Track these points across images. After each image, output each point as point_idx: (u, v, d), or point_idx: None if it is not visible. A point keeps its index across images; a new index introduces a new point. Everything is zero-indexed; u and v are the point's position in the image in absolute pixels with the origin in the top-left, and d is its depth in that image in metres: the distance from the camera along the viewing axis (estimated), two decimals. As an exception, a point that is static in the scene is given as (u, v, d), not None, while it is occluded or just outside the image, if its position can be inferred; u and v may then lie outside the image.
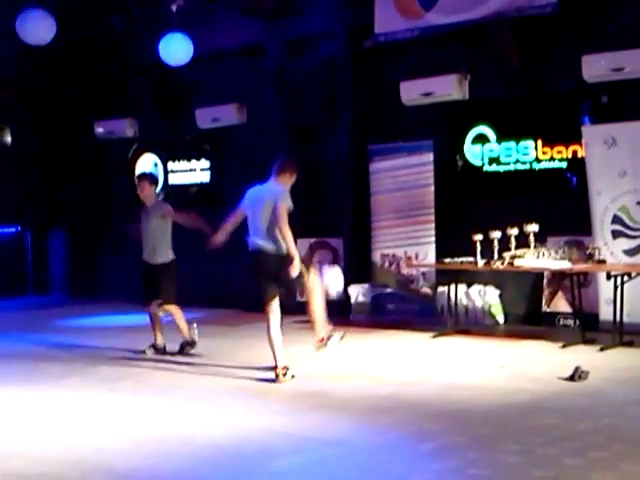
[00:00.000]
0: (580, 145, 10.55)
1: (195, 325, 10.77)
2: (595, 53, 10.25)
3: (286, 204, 7.81)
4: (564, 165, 10.90)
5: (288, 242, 7.74)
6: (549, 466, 5.16)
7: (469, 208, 11.59)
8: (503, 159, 11.42)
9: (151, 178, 9.93)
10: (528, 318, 11.20)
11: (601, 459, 5.27)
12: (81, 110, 15.83)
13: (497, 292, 11.35)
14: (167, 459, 5.63)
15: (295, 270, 7.73)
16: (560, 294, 10.78)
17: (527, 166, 11.20)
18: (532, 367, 8.41)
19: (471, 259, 10.19)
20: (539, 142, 11.08)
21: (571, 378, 7.57)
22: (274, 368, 7.93)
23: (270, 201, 7.88)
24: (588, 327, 9.72)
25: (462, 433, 5.99)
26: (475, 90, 11.50)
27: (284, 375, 7.89)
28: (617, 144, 9.97)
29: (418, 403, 6.97)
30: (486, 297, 11.31)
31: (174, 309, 9.47)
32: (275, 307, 7.92)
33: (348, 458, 5.55)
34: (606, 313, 9.74)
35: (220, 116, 13.81)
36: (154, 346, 9.60)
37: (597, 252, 9.73)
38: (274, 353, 7.93)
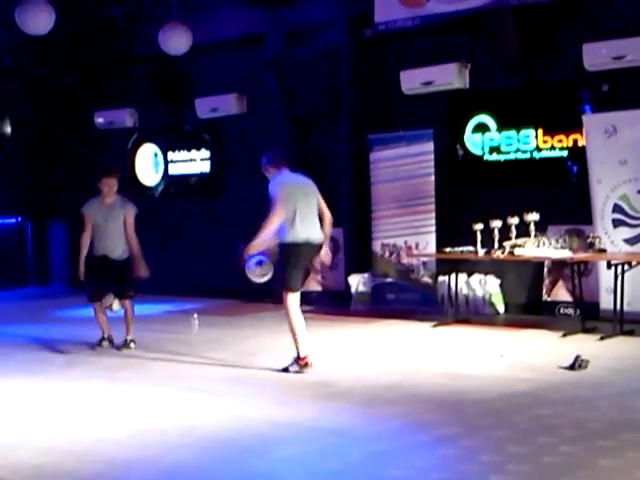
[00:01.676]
0: (581, 134, 10.53)
1: (195, 316, 10.80)
2: (596, 41, 10.22)
3: None
4: (565, 154, 10.88)
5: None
6: (549, 454, 5.16)
7: (469, 197, 11.57)
8: (504, 148, 11.40)
9: (118, 174, 9.89)
10: (528, 307, 11.20)
11: (601, 448, 5.27)
12: (81, 100, 15.81)
13: (497, 281, 11.34)
14: (167, 449, 5.63)
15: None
16: (560, 283, 10.78)
17: (527, 155, 11.18)
18: (532, 356, 8.41)
19: (471, 248, 10.18)
20: (540, 131, 11.05)
21: (571, 367, 7.57)
22: (299, 359, 7.84)
23: (316, 191, 8.09)
24: (588, 316, 9.72)
25: (462, 422, 5.99)
26: (475, 79, 11.47)
27: (305, 366, 7.84)
28: (617, 133, 9.94)
29: (418, 392, 6.97)
30: (486, 286, 11.31)
31: (129, 304, 9.50)
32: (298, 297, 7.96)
33: (348, 447, 5.55)
34: (606, 302, 9.74)
35: (220, 106, 13.79)
36: (109, 338, 9.57)
37: (598, 241, 9.72)
38: (297, 342, 7.84)
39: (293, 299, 7.81)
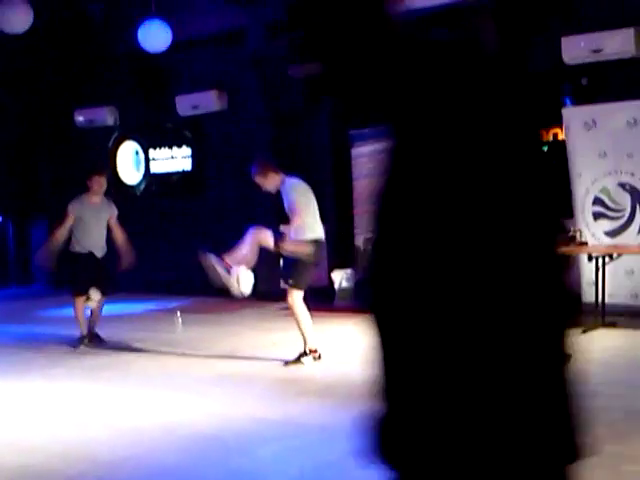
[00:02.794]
0: (560, 127, 10.57)
1: (179, 314, 10.79)
2: (575, 35, 10.25)
3: None
4: (545, 148, 10.92)
5: None
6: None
7: (451, 192, 11.59)
8: (484, 142, 11.42)
9: (107, 172, 9.97)
10: (511, 301, 11.23)
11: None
12: (61, 99, 15.73)
13: (480, 275, 11.36)
14: (152, 448, 5.63)
15: None
16: (542, 276, 10.82)
17: (508, 149, 11.21)
18: (515, 349, 8.44)
19: (454, 243, 10.21)
20: (520, 125, 11.08)
21: (554, 360, 7.60)
22: (312, 351, 8.02)
23: None
24: (571, 309, 9.76)
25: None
26: (456, 73, 11.47)
27: (318, 357, 8.05)
28: (597, 126, 9.99)
29: (402, 387, 6.98)
30: (469, 280, 11.33)
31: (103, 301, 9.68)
32: None
33: (331, 444, 5.56)
34: (588, 294, 9.77)
35: (200, 103, 13.74)
36: (90, 338, 9.62)
37: (578, 234, 9.77)
38: (308, 335, 8.02)
39: (299, 296, 7.97)
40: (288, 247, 7.94)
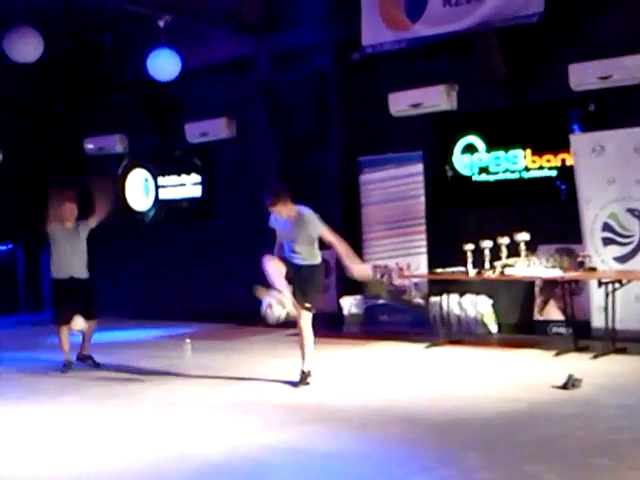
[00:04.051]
0: (568, 153, 10.59)
1: (188, 341, 10.78)
2: (582, 61, 10.30)
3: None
4: (553, 173, 10.93)
5: None
6: (544, 475, 5.16)
7: (459, 218, 11.61)
8: (492, 168, 11.45)
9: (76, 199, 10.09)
10: (520, 327, 11.21)
11: (597, 467, 5.27)
12: (71, 127, 15.83)
13: (489, 301, 11.35)
14: (160, 476, 5.61)
15: None
16: (552, 302, 10.80)
17: (516, 175, 11.23)
18: (525, 376, 8.42)
19: (462, 269, 10.21)
20: (528, 151, 11.11)
21: (564, 386, 7.57)
22: (308, 372, 8.25)
23: None
24: (581, 335, 9.73)
25: (457, 444, 5.98)
26: (463, 100, 11.54)
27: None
28: (605, 152, 10.00)
29: (413, 414, 6.96)
30: (478, 307, 11.32)
31: (94, 324, 9.83)
32: None
33: (343, 471, 5.53)
34: (598, 320, 9.76)
35: (209, 130, 13.83)
36: (81, 359, 9.83)
37: (588, 260, 9.75)
38: (311, 357, 8.25)
39: (310, 318, 8.21)
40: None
